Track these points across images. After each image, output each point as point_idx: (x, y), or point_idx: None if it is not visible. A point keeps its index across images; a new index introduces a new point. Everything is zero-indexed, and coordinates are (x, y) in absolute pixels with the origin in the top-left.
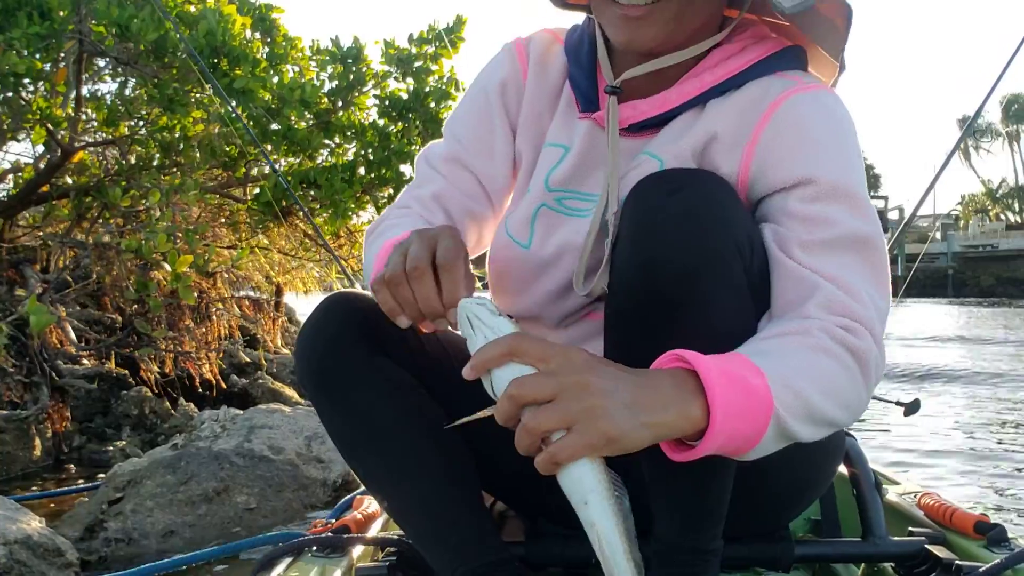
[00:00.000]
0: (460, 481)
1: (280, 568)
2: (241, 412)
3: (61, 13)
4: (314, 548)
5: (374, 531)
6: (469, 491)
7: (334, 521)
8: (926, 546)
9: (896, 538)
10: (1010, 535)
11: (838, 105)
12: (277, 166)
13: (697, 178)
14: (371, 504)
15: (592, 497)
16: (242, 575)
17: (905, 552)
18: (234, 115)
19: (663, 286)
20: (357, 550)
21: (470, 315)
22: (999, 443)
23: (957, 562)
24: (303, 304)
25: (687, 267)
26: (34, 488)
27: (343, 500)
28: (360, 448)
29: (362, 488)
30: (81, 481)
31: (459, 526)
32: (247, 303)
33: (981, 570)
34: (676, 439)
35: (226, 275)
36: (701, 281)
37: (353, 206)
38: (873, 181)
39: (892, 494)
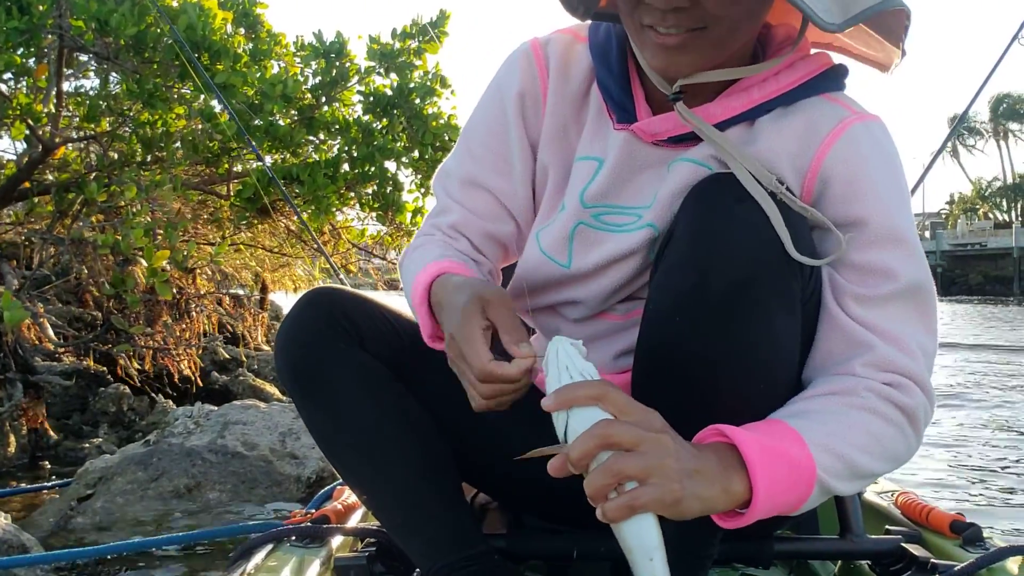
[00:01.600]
0: (438, 475)
1: (258, 557)
2: (216, 408)
3: (40, 8)
4: (293, 538)
5: (354, 522)
6: (447, 485)
7: (314, 511)
8: (902, 544)
9: (873, 536)
10: (985, 535)
11: (888, 139)
12: (260, 162)
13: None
14: (351, 495)
15: (658, 555)
16: (219, 563)
17: (881, 550)
18: (220, 107)
19: (716, 292)
20: (336, 540)
21: (560, 353)
22: (981, 444)
23: (933, 560)
24: (292, 302)
25: (744, 277)
26: (13, 484)
27: (323, 490)
28: (338, 443)
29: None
30: (55, 478)
31: (436, 520)
32: (227, 300)
33: (956, 569)
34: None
35: (212, 272)
36: (755, 293)
37: (337, 202)
38: None
39: (870, 492)
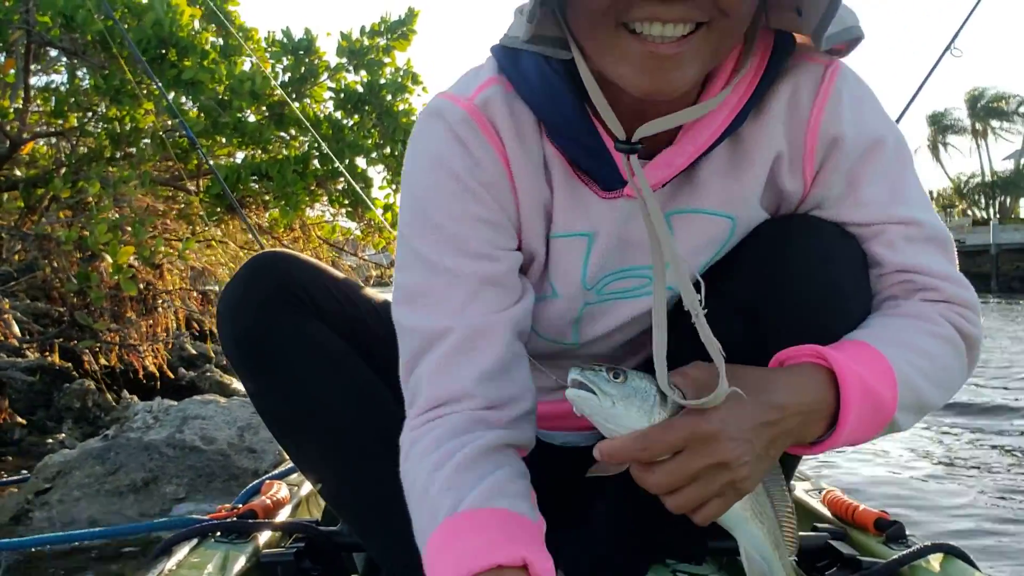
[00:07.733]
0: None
1: (181, 553)
2: (176, 403)
3: (6, 3)
4: (218, 533)
5: (283, 517)
6: None
7: (240, 506)
8: (829, 541)
9: (801, 533)
10: (908, 532)
11: (857, 79)
12: (232, 158)
13: (841, 244)
14: (280, 489)
15: (737, 529)
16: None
17: (809, 547)
18: (176, 111)
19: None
20: (264, 536)
21: (584, 409)
22: (916, 447)
23: (858, 557)
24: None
25: (810, 341)
26: None
27: (251, 485)
28: (293, 424)
29: (272, 472)
30: (9, 473)
31: (402, 508)
32: (195, 295)
33: (879, 566)
34: None
35: (181, 268)
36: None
37: (307, 198)
38: None
39: (799, 490)
